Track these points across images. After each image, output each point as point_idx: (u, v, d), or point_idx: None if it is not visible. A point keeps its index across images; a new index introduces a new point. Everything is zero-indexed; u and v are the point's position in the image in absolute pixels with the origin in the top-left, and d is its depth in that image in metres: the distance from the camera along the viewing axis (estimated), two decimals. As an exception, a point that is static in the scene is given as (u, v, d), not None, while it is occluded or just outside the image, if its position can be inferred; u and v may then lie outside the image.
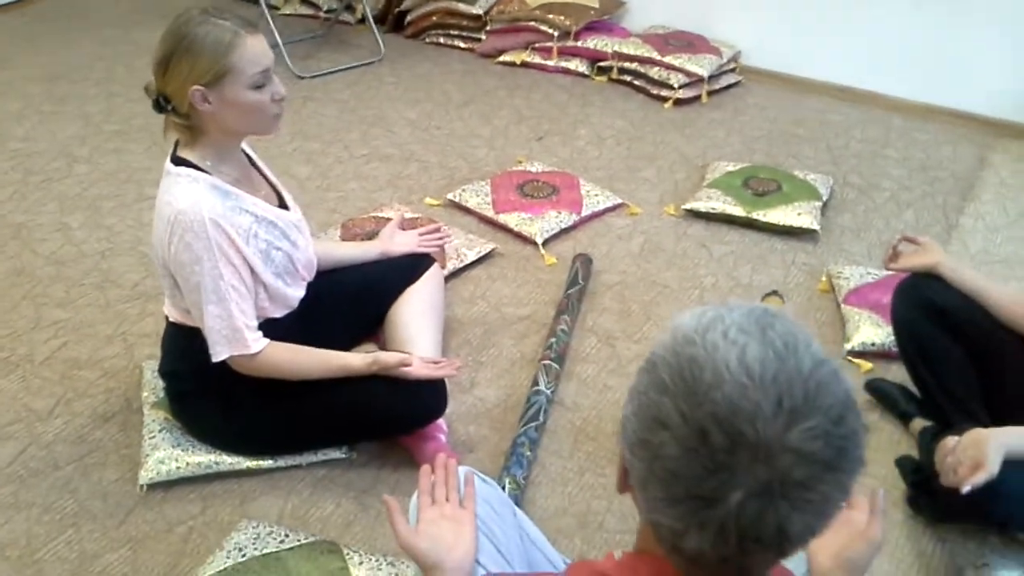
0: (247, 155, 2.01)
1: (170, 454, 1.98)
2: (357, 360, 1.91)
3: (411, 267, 2.29)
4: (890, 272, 2.33)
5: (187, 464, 1.97)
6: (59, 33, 4.47)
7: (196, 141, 1.81)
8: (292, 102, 3.80)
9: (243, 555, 1.73)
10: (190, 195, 1.75)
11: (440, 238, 2.43)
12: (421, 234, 2.40)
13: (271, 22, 4.09)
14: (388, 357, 1.90)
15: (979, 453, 1.61)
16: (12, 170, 3.25)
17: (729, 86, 4.05)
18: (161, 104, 1.78)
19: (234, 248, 1.79)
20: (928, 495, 1.90)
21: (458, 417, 2.18)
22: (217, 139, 1.81)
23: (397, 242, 2.35)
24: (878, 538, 1.29)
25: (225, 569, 1.70)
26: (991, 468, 1.58)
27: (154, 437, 2.01)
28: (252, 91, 1.75)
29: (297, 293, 2.01)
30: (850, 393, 0.79)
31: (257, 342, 1.85)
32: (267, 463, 2.01)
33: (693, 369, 0.78)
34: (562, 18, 4.11)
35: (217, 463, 1.98)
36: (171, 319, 1.96)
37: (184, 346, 1.92)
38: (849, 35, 3.87)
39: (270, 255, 1.89)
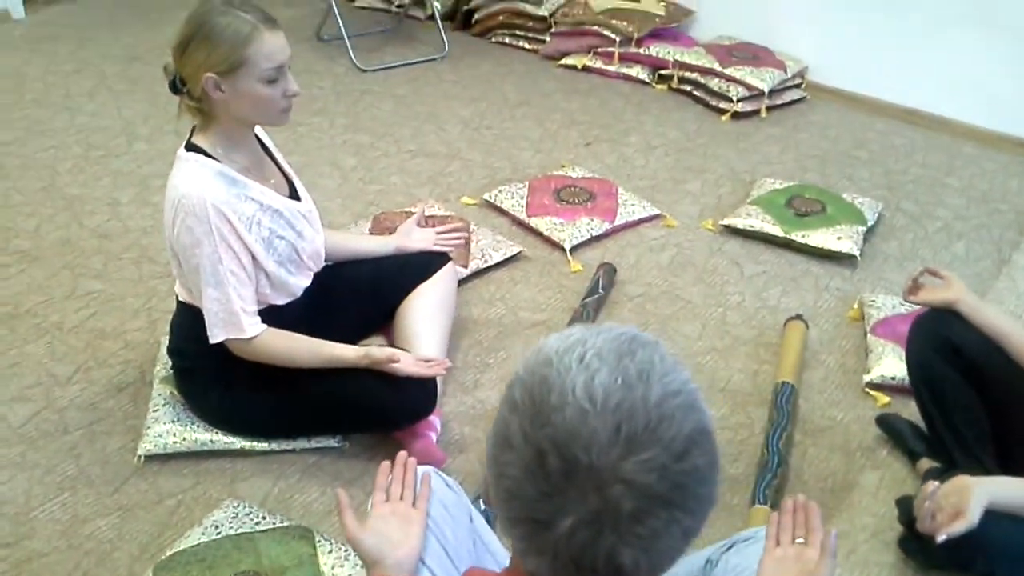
0: (262, 144, 2.06)
1: (169, 429, 2.04)
2: (349, 352, 1.94)
3: (425, 264, 2.30)
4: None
5: (184, 439, 2.03)
6: (142, 16, 4.65)
7: (208, 127, 1.87)
8: (350, 94, 3.89)
9: (218, 532, 1.78)
10: (195, 180, 1.81)
11: (458, 237, 2.45)
12: (439, 232, 2.41)
13: (338, 15, 4.17)
14: (379, 352, 1.92)
15: (961, 501, 1.54)
16: (76, 144, 3.40)
17: (792, 102, 3.95)
18: (177, 85, 1.84)
19: (235, 234, 1.83)
20: (919, 540, 1.82)
21: (456, 417, 2.19)
22: (228, 126, 1.86)
23: (414, 238, 2.37)
24: None
25: (198, 545, 1.74)
26: (971, 518, 1.51)
27: (157, 411, 2.08)
28: (264, 85, 1.80)
29: (301, 282, 2.04)
30: (703, 429, 0.77)
31: (253, 327, 1.90)
32: (261, 445, 2.05)
33: (542, 390, 0.77)
34: (625, 24, 4.08)
35: (213, 441, 2.04)
36: (180, 299, 2.02)
37: (190, 325, 1.98)
38: (922, 57, 3.73)
39: (273, 243, 1.93)
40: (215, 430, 2.05)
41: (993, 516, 1.55)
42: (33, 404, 2.19)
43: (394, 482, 1.46)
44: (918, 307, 2.39)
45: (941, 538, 1.52)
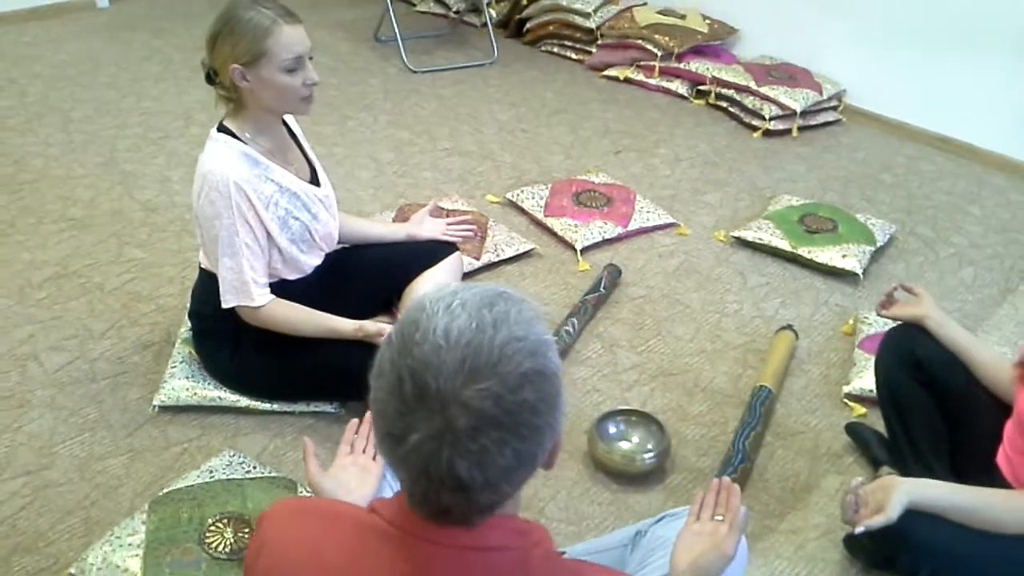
0: (292, 133, 2.24)
1: (184, 384, 2.24)
2: (345, 325, 2.11)
3: (432, 252, 2.46)
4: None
5: (195, 395, 2.23)
6: (216, 8, 4.92)
7: (238, 113, 2.06)
8: (397, 93, 4.09)
9: (212, 476, 1.96)
10: (221, 158, 2.00)
11: (467, 230, 2.61)
12: (449, 223, 2.58)
13: (393, 18, 4.37)
14: (371, 326, 2.09)
15: (884, 498, 1.63)
16: (137, 124, 3.67)
17: (827, 123, 4.02)
18: (211, 76, 2.04)
19: (252, 211, 2.02)
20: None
21: (447, 394, 2.35)
22: (255, 113, 2.05)
23: (425, 227, 2.53)
24: (729, 552, 1.38)
25: (192, 486, 1.93)
26: (890, 513, 1.60)
27: (175, 367, 2.29)
28: (285, 74, 1.98)
29: (312, 261, 2.23)
30: (540, 371, 0.90)
31: (262, 296, 2.08)
32: (263, 405, 2.24)
33: (411, 329, 0.92)
34: (667, 39, 4.19)
35: (221, 398, 2.23)
36: (202, 266, 2.22)
37: (208, 291, 2.17)
38: (957, 84, 3.76)
39: (287, 223, 2.11)
40: (224, 388, 2.25)
41: (917, 515, 1.63)
42: (68, 354, 2.41)
43: (359, 438, 1.62)
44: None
45: (859, 530, 1.62)
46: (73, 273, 2.74)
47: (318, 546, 1.03)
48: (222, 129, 2.05)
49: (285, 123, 2.20)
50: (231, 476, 1.97)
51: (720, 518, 1.47)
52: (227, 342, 2.21)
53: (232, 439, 2.18)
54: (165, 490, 1.93)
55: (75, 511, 1.96)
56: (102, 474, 2.06)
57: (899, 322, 2.10)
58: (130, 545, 1.78)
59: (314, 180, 2.21)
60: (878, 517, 1.61)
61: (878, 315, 2.18)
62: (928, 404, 2.01)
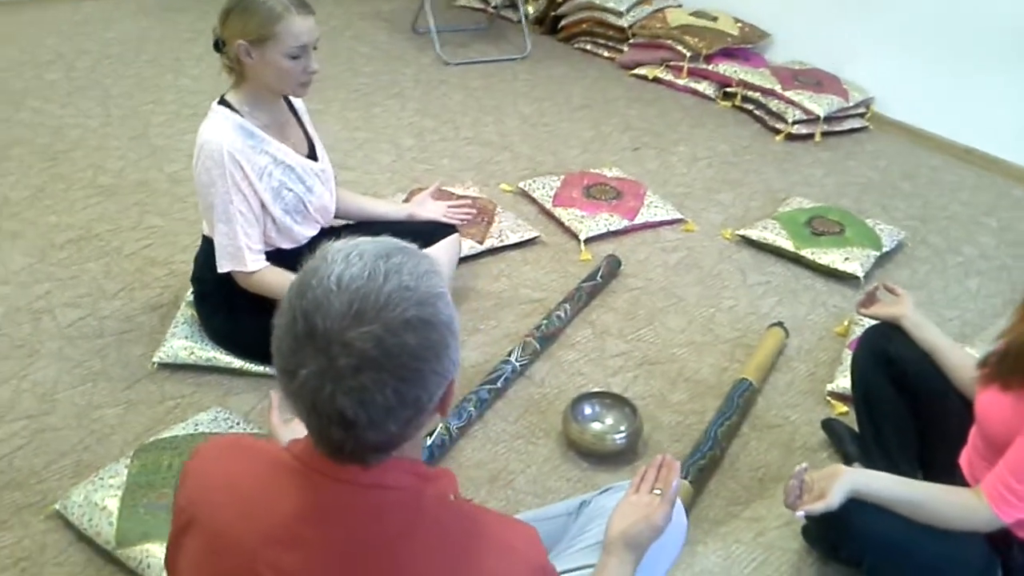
0: (294, 110, 2.33)
1: (183, 344, 2.35)
2: (333, 293, 2.19)
3: (431, 233, 2.52)
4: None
5: (193, 354, 2.34)
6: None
7: (239, 86, 2.17)
8: (428, 83, 4.19)
9: (196, 429, 2.06)
10: (217, 129, 2.10)
11: (467, 214, 2.68)
12: (450, 206, 2.65)
13: (428, 11, 4.47)
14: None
15: (828, 485, 1.66)
16: (172, 102, 3.82)
17: (852, 130, 4.01)
18: (219, 46, 2.14)
19: (246, 180, 2.12)
20: (818, 528, 1.94)
21: (434, 369, 2.42)
22: (255, 89, 2.15)
23: (427, 208, 2.61)
24: (659, 523, 1.43)
25: (177, 436, 2.03)
26: (830, 500, 1.62)
27: (176, 327, 2.40)
28: (287, 59, 2.07)
29: (307, 231, 2.32)
30: (425, 320, 0.95)
31: (255, 263, 2.18)
32: (256, 368, 2.33)
33: (310, 275, 0.98)
34: (696, 40, 4.22)
35: (216, 359, 2.33)
36: (204, 233, 2.32)
37: (208, 256, 2.27)
38: (984, 96, 3.73)
39: (281, 193, 2.20)
40: (220, 349, 2.35)
41: (862, 506, 1.66)
42: (80, 310, 2.54)
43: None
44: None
45: (798, 515, 1.64)
46: (94, 236, 2.87)
47: (233, 478, 1.10)
48: (222, 102, 2.15)
49: (287, 100, 2.30)
50: (214, 431, 2.07)
51: (659, 492, 1.51)
52: (223, 305, 2.31)
53: (223, 398, 2.28)
54: (151, 439, 2.03)
55: (68, 454, 2.08)
56: (98, 422, 2.17)
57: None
58: (111, 486, 1.88)
59: (312, 155, 2.30)
60: (818, 504, 1.63)
61: (858, 313, 2.20)
62: (899, 403, 2.03)
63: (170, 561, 1.18)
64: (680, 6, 4.65)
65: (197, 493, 1.12)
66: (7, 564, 1.80)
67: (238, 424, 2.11)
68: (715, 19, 4.38)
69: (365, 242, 1.02)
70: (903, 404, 2.03)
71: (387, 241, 1.03)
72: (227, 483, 1.10)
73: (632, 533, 1.42)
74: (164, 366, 2.34)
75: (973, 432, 1.84)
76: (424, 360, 0.97)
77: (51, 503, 1.92)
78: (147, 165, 3.32)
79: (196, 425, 2.08)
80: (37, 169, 3.24)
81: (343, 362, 0.93)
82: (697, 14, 4.44)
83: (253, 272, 2.18)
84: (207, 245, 2.30)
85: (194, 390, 2.29)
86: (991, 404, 1.74)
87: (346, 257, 0.99)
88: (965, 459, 1.86)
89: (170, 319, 2.49)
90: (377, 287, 0.96)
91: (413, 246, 1.04)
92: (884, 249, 3.03)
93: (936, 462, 1.98)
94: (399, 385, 0.96)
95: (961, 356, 2.00)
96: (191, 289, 2.53)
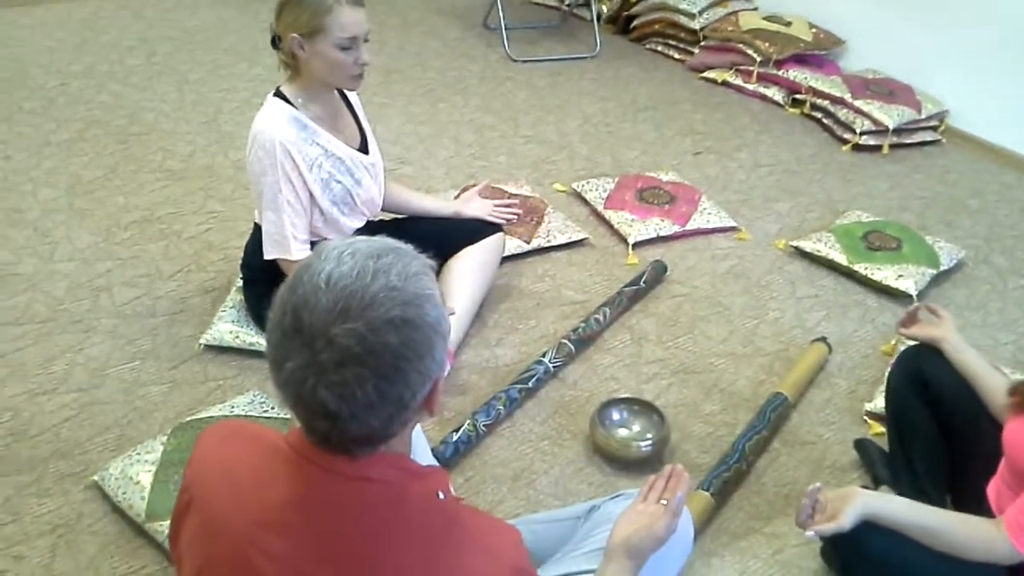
0: (349, 104, 2.39)
1: (230, 328, 2.44)
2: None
3: (476, 231, 2.57)
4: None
5: (238, 338, 2.42)
6: None
7: (294, 80, 2.24)
8: (494, 80, 4.22)
9: (232, 411, 2.14)
10: (271, 120, 2.18)
11: (514, 213, 2.71)
12: (496, 205, 2.68)
13: (499, 7, 4.49)
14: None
15: (841, 506, 1.64)
16: (244, 90, 3.93)
17: (924, 143, 3.90)
18: (275, 41, 2.22)
19: (296, 171, 2.19)
20: (836, 550, 1.91)
21: (469, 365, 2.46)
22: (308, 82, 2.22)
23: (472, 206, 2.65)
24: (660, 534, 1.45)
25: (212, 417, 2.11)
26: (842, 522, 1.61)
27: (225, 311, 2.49)
28: (338, 51, 2.13)
29: (353, 223, 2.38)
30: (407, 320, 0.98)
31: (300, 252, 2.25)
32: (296, 355, 2.40)
33: (303, 271, 1.03)
34: (767, 45, 4.15)
35: (259, 344, 2.41)
36: (256, 221, 2.41)
37: (257, 243, 2.35)
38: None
39: (330, 185, 2.27)
40: (263, 335, 2.42)
41: (877, 530, 1.63)
42: (137, 290, 2.65)
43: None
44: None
45: (809, 534, 1.63)
46: (156, 219, 2.99)
47: (231, 465, 1.15)
48: (278, 94, 2.22)
49: (342, 94, 2.36)
50: (249, 413, 2.14)
51: (665, 502, 1.52)
52: (269, 292, 2.34)
53: (263, 382, 2.35)
54: (189, 418, 2.12)
55: (112, 428, 2.18)
56: (143, 399, 2.27)
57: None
58: (146, 461, 1.97)
59: (363, 148, 2.36)
60: (829, 524, 1.62)
61: (897, 333, 2.16)
62: (931, 426, 1.99)
63: (172, 538, 1.24)
64: (756, 9, 4.58)
65: (197, 477, 1.18)
66: (45, 530, 1.91)
67: (273, 408, 2.18)
68: (789, 24, 4.30)
69: (360, 241, 1.06)
70: (935, 428, 1.99)
71: (382, 241, 1.06)
72: (224, 470, 1.15)
73: (634, 541, 1.44)
74: (210, 348, 2.43)
75: (1003, 462, 1.79)
76: (406, 359, 1.00)
77: (91, 474, 2.02)
78: (214, 151, 3.43)
79: (232, 408, 2.16)
80: (111, 150, 3.39)
81: (326, 356, 0.97)
82: (771, 18, 4.36)
83: (297, 261, 2.24)
84: (257, 232, 2.38)
85: (236, 373, 2.38)
86: (1018, 433, 1.70)
87: (339, 256, 1.02)
88: (993, 488, 1.81)
89: (220, 303, 2.58)
90: (363, 286, 0.99)
91: (408, 246, 1.07)
92: (942, 267, 2.94)
93: (968, 489, 1.93)
94: (380, 382, 0.99)
95: (1000, 382, 1.94)
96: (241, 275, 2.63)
